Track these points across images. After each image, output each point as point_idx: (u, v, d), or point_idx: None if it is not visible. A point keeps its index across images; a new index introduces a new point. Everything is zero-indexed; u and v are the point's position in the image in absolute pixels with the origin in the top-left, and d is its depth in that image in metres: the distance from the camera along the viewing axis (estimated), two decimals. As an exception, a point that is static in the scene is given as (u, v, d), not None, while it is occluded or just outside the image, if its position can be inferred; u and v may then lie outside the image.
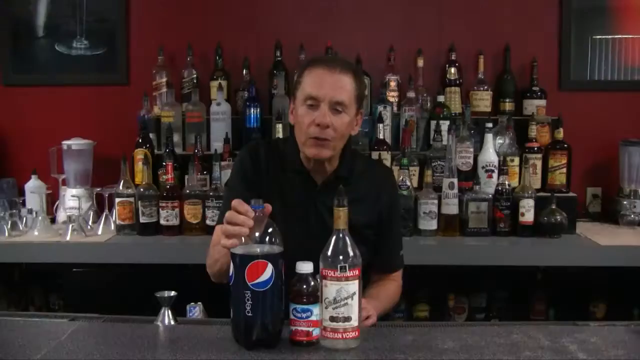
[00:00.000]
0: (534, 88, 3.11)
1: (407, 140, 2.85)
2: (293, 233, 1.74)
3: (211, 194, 2.76)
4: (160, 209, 2.77)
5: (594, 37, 3.21)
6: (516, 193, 2.80)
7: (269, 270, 1.41)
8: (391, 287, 1.94)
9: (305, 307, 1.43)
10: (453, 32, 3.19)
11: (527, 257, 2.68)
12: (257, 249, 1.44)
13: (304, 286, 1.44)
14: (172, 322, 1.62)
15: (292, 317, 1.45)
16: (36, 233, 2.74)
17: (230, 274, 1.44)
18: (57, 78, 3.26)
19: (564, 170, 2.89)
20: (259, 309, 1.42)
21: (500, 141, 2.95)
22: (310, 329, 1.43)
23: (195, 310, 1.90)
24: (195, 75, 3.13)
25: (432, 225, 2.77)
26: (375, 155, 2.82)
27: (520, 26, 3.20)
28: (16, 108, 3.29)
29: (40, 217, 2.77)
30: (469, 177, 2.85)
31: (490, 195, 2.79)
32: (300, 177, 1.86)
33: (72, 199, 2.93)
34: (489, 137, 2.87)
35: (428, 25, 3.22)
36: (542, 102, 3.08)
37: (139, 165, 2.84)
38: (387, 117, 2.92)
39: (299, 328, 1.44)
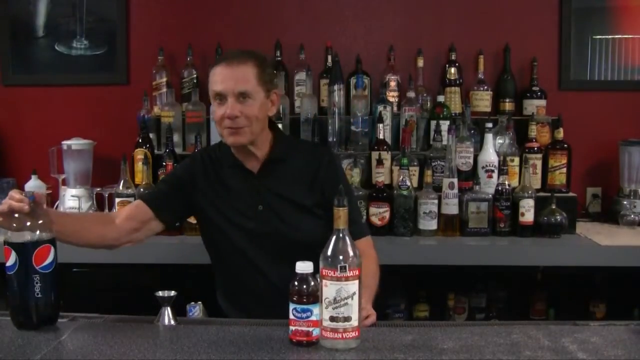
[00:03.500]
0: (534, 88, 3.11)
1: (407, 140, 2.85)
2: (244, 220, 1.94)
3: (211, 194, 2.76)
4: (160, 209, 2.76)
5: (594, 37, 3.21)
6: (516, 193, 2.80)
7: (52, 253, 1.56)
8: (370, 265, 1.91)
9: (305, 307, 1.43)
10: (453, 32, 3.19)
11: (527, 257, 2.67)
12: (28, 236, 1.54)
13: (304, 286, 1.44)
14: (172, 322, 1.62)
15: (291, 317, 1.45)
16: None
17: (9, 263, 1.53)
18: (57, 78, 3.26)
19: (564, 170, 2.89)
20: (48, 290, 1.55)
21: (500, 141, 2.95)
22: (310, 329, 1.43)
23: (195, 310, 1.89)
24: (195, 75, 3.13)
25: (432, 225, 2.77)
26: (375, 155, 2.82)
27: (520, 26, 3.20)
28: (16, 108, 3.29)
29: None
30: (469, 177, 2.85)
31: (490, 195, 2.79)
32: (236, 169, 1.98)
33: (72, 198, 2.93)
34: (489, 137, 2.87)
35: (428, 25, 3.23)
36: (542, 102, 3.08)
37: (139, 165, 2.84)
38: (387, 117, 2.92)
39: (299, 328, 1.44)
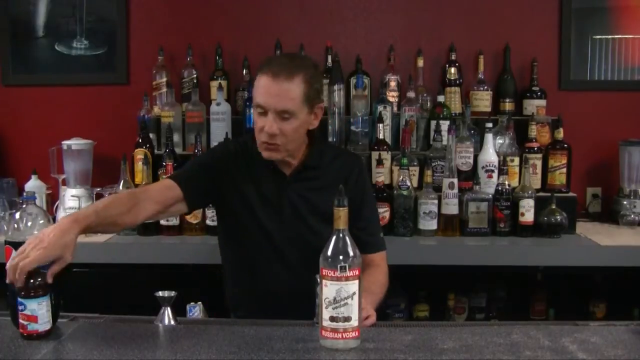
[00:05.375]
0: (534, 88, 3.11)
1: (407, 140, 2.85)
2: (269, 220, 1.92)
3: (211, 194, 2.75)
4: (160, 209, 2.76)
5: (594, 37, 3.21)
6: (516, 193, 2.80)
7: None
8: (380, 276, 1.96)
9: (21, 300, 1.48)
10: (453, 32, 3.19)
11: (527, 257, 2.67)
12: (29, 236, 1.55)
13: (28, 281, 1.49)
14: (172, 322, 1.63)
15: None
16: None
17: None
18: (57, 78, 3.26)
19: (564, 170, 2.89)
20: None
21: (500, 141, 2.95)
22: (25, 323, 1.48)
23: (195, 310, 1.89)
24: (195, 75, 3.13)
25: (432, 225, 2.77)
26: (375, 155, 2.82)
27: (520, 26, 3.20)
28: (16, 108, 3.29)
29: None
30: (469, 177, 2.85)
31: (490, 195, 2.79)
32: (269, 169, 1.94)
33: (72, 199, 2.93)
34: (489, 137, 2.87)
35: (428, 25, 3.23)
36: (542, 102, 3.08)
37: (139, 165, 2.84)
38: (387, 117, 2.92)
39: (20, 321, 1.49)
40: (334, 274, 1.41)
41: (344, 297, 1.41)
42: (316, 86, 1.88)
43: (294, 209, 1.93)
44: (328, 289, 1.41)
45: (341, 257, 1.42)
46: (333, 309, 1.41)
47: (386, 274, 2.00)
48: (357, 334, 1.44)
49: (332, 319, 1.41)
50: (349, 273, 1.41)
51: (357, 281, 1.42)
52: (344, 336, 1.42)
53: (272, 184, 1.94)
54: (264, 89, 1.81)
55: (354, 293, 1.41)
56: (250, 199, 1.93)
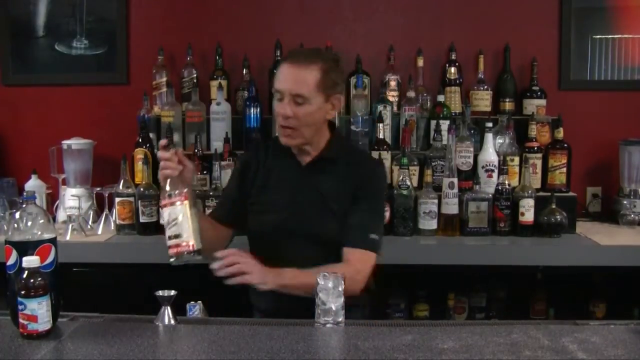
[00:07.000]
0: (534, 88, 3.11)
1: (407, 139, 2.85)
2: (284, 206, 2.01)
3: (211, 193, 2.76)
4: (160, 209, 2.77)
5: (594, 37, 3.21)
6: (516, 193, 2.80)
7: (53, 252, 1.57)
8: (338, 267, 1.82)
9: (21, 300, 1.48)
10: (453, 32, 3.19)
11: (527, 257, 2.68)
12: (29, 236, 1.56)
13: (22, 280, 1.48)
14: (172, 322, 1.62)
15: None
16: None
17: (10, 262, 1.54)
18: (57, 78, 3.26)
19: (564, 170, 2.90)
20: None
21: (500, 141, 2.95)
22: (25, 322, 1.49)
23: (195, 309, 1.90)
24: (195, 75, 3.13)
25: (432, 225, 2.77)
26: (375, 155, 2.82)
27: (520, 26, 3.20)
28: (16, 108, 3.29)
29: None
30: (469, 176, 2.85)
31: (490, 195, 2.80)
32: (288, 160, 2.03)
33: (72, 198, 2.93)
34: (489, 136, 2.87)
35: (428, 25, 3.23)
36: (542, 102, 3.08)
37: (139, 165, 2.85)
38: (387, 117, 2.92)
39: (20, 321, 1.50)
40: (166, 201, 1.69)
41: (174, 218, 1.66)
42: (333, 77, 1.94)
43: (304, 198, 1.99)
44: (163, 216, 1.69)
45: (176, 191, 1.70)
46: (169, 229, 1.68)
47: (350, 271, 1.80)
48: (191, 248, 1.67)
49: (169, 237, 1.68)
50: (175, 199, 1.68)
51: (183, 205, 1.67)
52: (178, 250, 1.66)
53: (289, 174, 2.02)
54: (282, 74, 1.93)
55: (182, 214, 1.66)
56: (267, 189, 2.03)
